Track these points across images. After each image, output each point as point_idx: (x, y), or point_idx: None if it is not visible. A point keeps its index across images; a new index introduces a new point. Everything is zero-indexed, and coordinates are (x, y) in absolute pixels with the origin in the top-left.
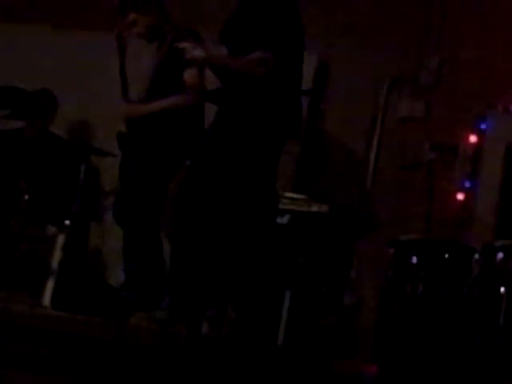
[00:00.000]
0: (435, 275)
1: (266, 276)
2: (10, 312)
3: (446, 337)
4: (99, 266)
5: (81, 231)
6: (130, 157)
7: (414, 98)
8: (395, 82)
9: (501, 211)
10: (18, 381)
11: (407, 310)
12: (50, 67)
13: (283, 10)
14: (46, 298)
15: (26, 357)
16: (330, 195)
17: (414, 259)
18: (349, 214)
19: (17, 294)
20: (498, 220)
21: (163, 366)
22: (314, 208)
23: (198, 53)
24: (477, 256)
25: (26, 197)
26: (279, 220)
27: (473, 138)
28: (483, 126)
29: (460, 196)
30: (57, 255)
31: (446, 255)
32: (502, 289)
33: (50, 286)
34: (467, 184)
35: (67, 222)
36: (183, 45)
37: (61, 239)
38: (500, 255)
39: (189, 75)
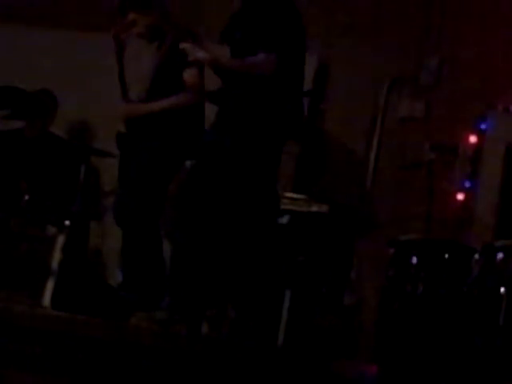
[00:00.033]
0: (435, 275)
1: (266, 276)
2: (10, 312)
3: (446, 337)
4: (99, 266)
5: (81, 231)
6: (129, 157)
7: (414, 98)
8: (395, 82)
9: (501, 211)
10: (18, 381)
11: (407, 310)
12: (49, 67)
13: (285, 11)
14: (46, 298)
15: (26, 357)
16: (330, 195)
17: (414, 259)
18: (349, 214)
19: (17, 294)
20: (497, 220)
21: (163, 366)
22: (314, 208)
23: (201, 54)
24: (477, 256)
25: (26, 197)
26: (279, 220)
27: (473, 138)
28: (483, 126)
29: (460, 196)
30: (57, 255)
31: (446, 255)
32: (502, 289)
33: (49, 286)
34: (467, 184)
35: (67, 223)
36: (186, 46)
37: (61, 239)
38: (500, 255)
39: (189, 75)
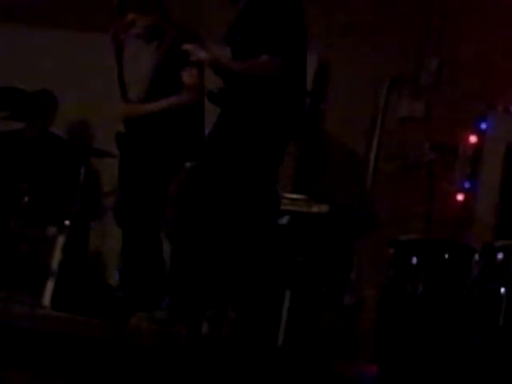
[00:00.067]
0: (435, 275)
1: (266, 276)
2: (10, 312)
3: (446, 337)
4: (99, 266)
5: (81, 232)
6: (129, 157)
7: (414, 99)
8: (395, 83)
9: (501, 211)
10: (18, 381)
11: (407, 310)
12: (50, 67)
13: (290, 12)
14: (46, 299)
15: (26, 357)
16: (330, 195)
17: (414, 259)
18: (349, 214)
19: (17, 295)
20: (497, 220)
21: (163, 367)
22: (314, 208)
23: (203, 54)
24: (477, 256)
25: (26, 198)
26: (279, 220)
27: (473, 139)
28: (483, 127)
29: (460, 196)
30: (57, 256)
31: (446, 255)
32: (502, 289)
33: (49, 286)
34: (467, 184)
35: (67, 223)
36: (188, 46)
37: (61, 240)
38: (500, 255)
39: (188, 75)
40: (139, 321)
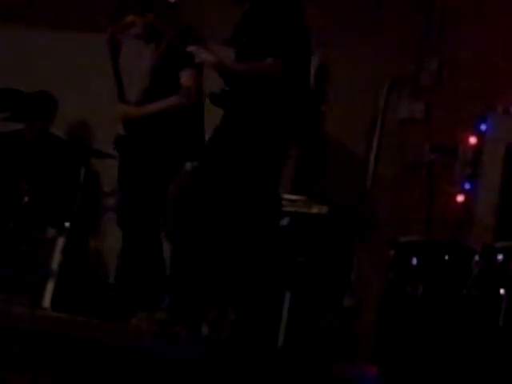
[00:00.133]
0: (435, 277)
1: (266, 278)
2: (10, 314)
3: (446, 338)
4: (99, 266)
5: (81, 233)
6: (129, 158)
7: (414, 99)
8: (395, 83)
9: (501, 212)
10: (18, 383)
11: (407, 311)
12: (49, 68)
13: (295, 14)
14: (46, 300)
15: (26, 359)
16: (330, 196)
17: (414, 261)
18: (349, 215)
19: (17, 296)
20: (498, 221)
21: (163, 368)
22: (314, 209)
23: (207, 56)
24: (477, 257)
25: (26, 199)
26: (279, 222)
27: (473, 140)
28: (483, 128)
29: (460, 197)
30: (57, 257)
31: (446, 257)
32: (502, 290)
33: (49, 287)
34: (467, 185)
35: (67, 224)
36: (192, 48)
37: (61, 241)
38: (500, 257)
39: (186, 76)
40: (139, 321)
